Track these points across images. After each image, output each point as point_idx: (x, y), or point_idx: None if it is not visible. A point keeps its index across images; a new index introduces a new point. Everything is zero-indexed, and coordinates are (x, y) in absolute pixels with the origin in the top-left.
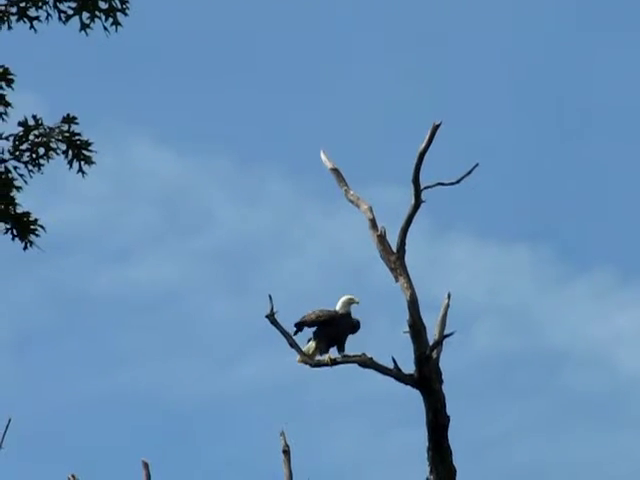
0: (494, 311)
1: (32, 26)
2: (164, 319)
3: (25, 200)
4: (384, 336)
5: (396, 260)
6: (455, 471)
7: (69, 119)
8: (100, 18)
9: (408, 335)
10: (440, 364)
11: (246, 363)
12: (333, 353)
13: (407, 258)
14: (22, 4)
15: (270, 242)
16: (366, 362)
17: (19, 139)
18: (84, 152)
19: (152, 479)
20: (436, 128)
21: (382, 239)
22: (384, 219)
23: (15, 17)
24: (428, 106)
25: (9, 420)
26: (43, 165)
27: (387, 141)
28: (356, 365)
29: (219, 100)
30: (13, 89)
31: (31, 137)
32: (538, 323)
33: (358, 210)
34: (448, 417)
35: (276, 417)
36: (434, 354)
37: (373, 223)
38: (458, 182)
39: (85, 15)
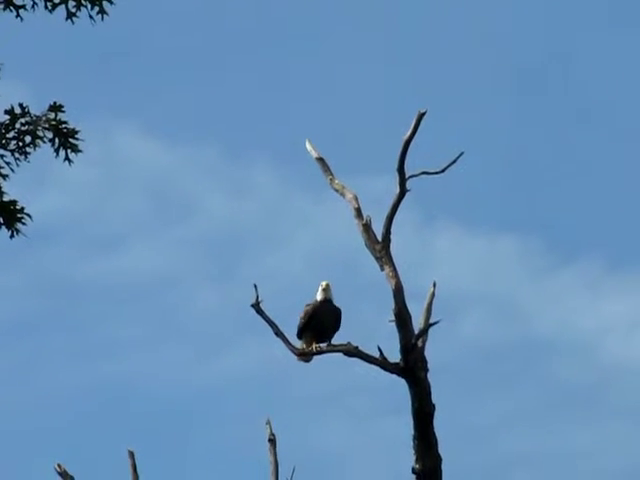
0: (481, 300)
1: (18, 15)
2: (150, 308)
3: (11, 189)
4: (370, 325)
5: (381, 249)
6: (441, 460)
7: (56, 107)
8: (86, 7)
9: (394, 324)
10: (427, 353)
11: (232, 352)
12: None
13: (394, 248)
14: None
15: (257, 231)
16: (352, 351)
17: (5, 127)
18: (71, 140)
19: (138, 468)
20: (421, 117)
21: (367, 228)
22: (370, 208)
23: (1, 6)
24: (413, 95)
25: None
26: (30, 153)
27: (372, 130)
28: (341, 354)
29: (206, 90)
30: (0, 78)
31: (17, 125)
32: (525, 312)
33: (343, 199)
34: (434, 405)
35: (262, 406)
36: (419, 343)
37: (358, 212)
38: (443, 171)
39: (71, 3)
